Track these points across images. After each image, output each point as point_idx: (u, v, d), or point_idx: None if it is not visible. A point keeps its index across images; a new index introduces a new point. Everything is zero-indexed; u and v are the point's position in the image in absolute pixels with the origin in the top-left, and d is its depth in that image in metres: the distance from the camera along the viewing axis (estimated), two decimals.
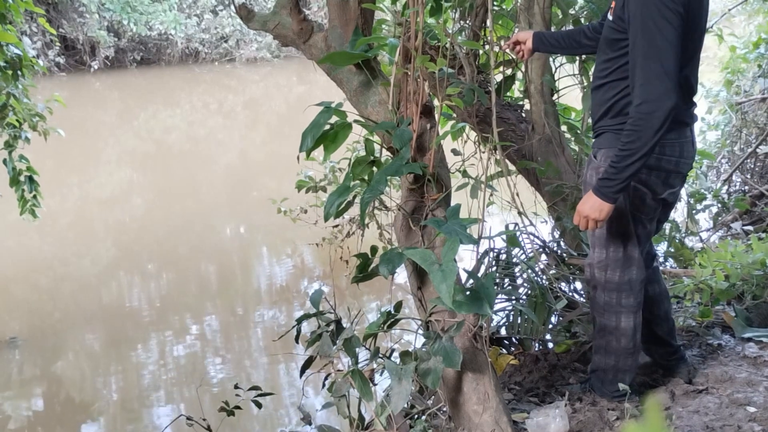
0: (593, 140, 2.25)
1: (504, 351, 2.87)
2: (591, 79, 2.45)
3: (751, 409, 2.16)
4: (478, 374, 2.01)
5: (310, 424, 2.90)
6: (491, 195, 2.84)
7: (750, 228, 4.46)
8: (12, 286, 5.63)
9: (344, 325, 2.19)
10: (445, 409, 2.14)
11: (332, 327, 2.19)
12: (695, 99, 2.17)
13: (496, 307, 2.87)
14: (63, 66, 16.33)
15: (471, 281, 2.25)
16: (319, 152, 2.33)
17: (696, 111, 2.19)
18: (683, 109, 2.08)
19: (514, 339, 2.94)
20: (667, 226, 3.99)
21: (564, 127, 3.39)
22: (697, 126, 5.30)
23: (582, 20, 3.33)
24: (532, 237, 3.04)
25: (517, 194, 2.91)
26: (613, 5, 2.08)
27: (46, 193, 4.82)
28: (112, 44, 17.04)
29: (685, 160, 2.12)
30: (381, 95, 2.35)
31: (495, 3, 3.41)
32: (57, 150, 8.29)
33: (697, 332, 2.81)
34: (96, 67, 16.79)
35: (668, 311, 2.43)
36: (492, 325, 2.84)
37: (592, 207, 2.03)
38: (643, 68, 1.92)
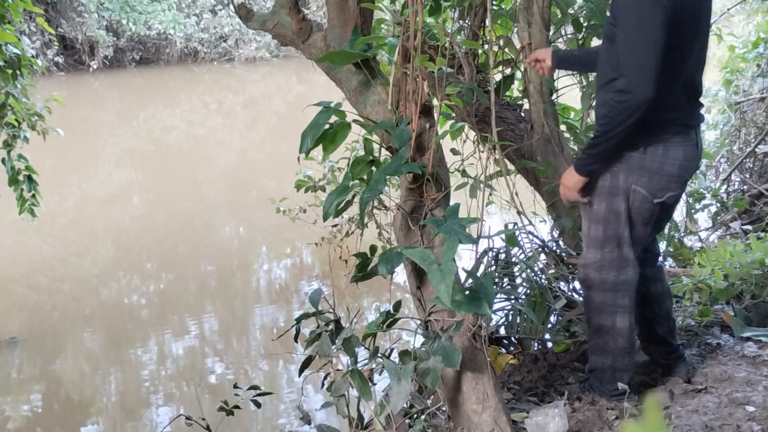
0: None
1: (503, 350, 2.87)
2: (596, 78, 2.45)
3: (750, 409, 2.16)
4: (478, 374, 2.01)
5: (309, 423, 2.90)
6: (490, 194, 2.84)
7: (749, 227, 4.46)
8: (12, 286, 5.62)
9: (343, 325, 2.19)
10: (444, 408, 2.14)
11: (331, 326, 2.19)
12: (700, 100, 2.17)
13: (496, 306, 2.87)
14: (62, 65, 16.31)
15: (470, 281, 2.25)
16: (318, 152, 2.32)
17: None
18: (688, 111, 2.09)
19: (513, 338, 2.95)
20: (666, 225, 3.99)
21: (563, 127, 3.39)
22: None
23: (581, 20, 3.33)
24: (531, 236, 3.04)
25: (516, 194, 2.92)
26: (611, 1, 2.09)
27: (45, 192, 4.82)
28: (111, 44, 17.02)
29: (689, 164, 2.11)
30: (380, 95, 2.34)
31: (494, 2, 3.41)
32: (56, 149, 8.28)
33: (696, 331, 2.81)
34: (95, 66, 16.78)
35: (670, 310, 2.43)
36: (491, 324, 2.84)
37: (567, 175, 2.18)
38: (624, 61, 1.95)
